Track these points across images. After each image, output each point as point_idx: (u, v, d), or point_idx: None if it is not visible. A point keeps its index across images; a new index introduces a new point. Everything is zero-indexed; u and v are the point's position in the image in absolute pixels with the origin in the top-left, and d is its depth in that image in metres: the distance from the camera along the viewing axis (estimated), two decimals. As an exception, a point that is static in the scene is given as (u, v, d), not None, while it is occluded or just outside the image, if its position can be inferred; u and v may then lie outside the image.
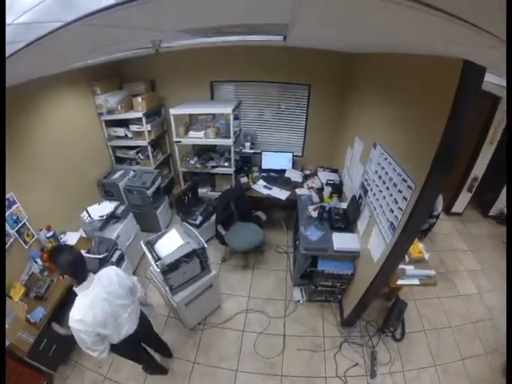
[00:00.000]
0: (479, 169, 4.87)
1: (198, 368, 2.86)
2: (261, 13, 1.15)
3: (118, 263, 2.99)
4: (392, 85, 2.50)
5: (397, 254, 2.29)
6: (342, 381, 2.81)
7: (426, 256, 3.07)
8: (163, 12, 1.03)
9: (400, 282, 2.89)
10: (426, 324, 3.41)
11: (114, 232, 3.32)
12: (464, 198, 5.22)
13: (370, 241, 2.73)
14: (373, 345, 3.12)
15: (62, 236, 3.22)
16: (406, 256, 2.96)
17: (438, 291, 3.64)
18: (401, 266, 2.85)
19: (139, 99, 3.89)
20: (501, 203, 5.28)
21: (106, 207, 3.42)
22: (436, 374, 2.94)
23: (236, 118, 4.06)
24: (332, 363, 2.96)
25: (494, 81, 2.09)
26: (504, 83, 2.09)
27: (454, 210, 5.38)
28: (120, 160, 4.45)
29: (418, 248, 3.04)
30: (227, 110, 3.69)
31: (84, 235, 3.32)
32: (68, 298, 2.63)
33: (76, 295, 1.84)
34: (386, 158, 2.47)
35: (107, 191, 3.97)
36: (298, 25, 1.41)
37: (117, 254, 3.03)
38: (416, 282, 2.94)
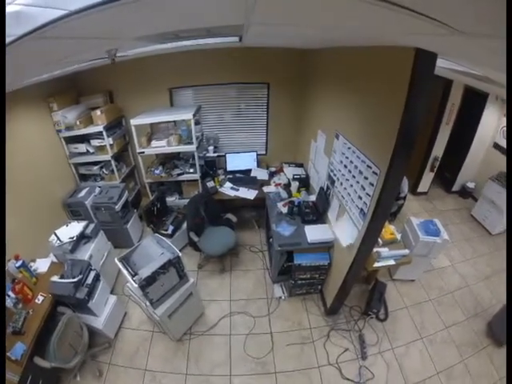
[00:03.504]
0: (439, 149, 5.16)
1: (190, 379, 2.81)
2: (217, 15, 1.15)
3: (94, 284, 2.87)
4: (350, 76, 2.57)
5: (370, 238, 2.37)
6: (335, 367, 2.88)
7: (398, 237, 3.20)
8: (119, 20, 1.00)
9: (376, 264, 2.99)
10: (407, 301, 3.57)
11: (86, 253, 3.18)
12: (427, 178, 5.52)
13: (342, 229, 2.79)
14: (359, 328, 3.21)
15: (32, 264, 3.05)
16: (379, 239, 3.06)
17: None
18: (375, 249, 2.96)
19: (98, 112, 3.75)
20: (461, 179, 5.62)
21: (74, 228, 3.27)
22: (424, 345, 3.10)
23: (197, 122, 4.03)
24: (323, 352, 3.01)
25: (445, 65, 2.19)
26: (456, 67, 2.20)
27: (419, 189, 5.68)
28: (84, 177, 4.28)
29: (389, 230, 3.17)
30: (188, 115, 3.65)
31: (55, 260, 3.15)
32: (47, 328, 2.51)
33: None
34: (349, 148, 2.54)
35: (74, 211, 3.80)
36: (253, 25, 1.43)
37: (92, 275, 2.90)
38: (392, 262, 3.06)
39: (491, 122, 4.98)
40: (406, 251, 3.11)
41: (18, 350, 2.26)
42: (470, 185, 5.52)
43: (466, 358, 2.98)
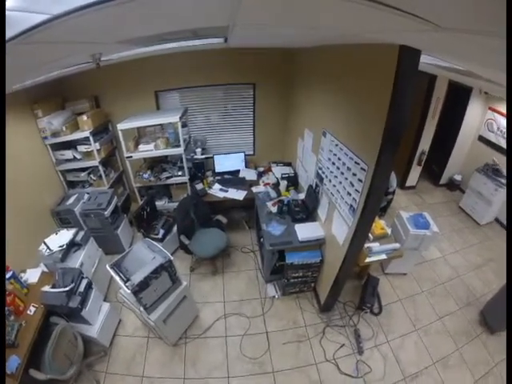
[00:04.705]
0: (425, 143, 5.24)
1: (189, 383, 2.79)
2: (202, 16, 1.15)
3: (87, 292, 2.83)
4: (335, 75, 2.59)
5: (360, 233, 2.39)
6: (333, 363, 2.90)
7: (389, 231, 3.24)
8: (103, 23, 0.99)
9: (368, 259, 3.02)
10: (400, 294, 3.63)
11: (76, 260, 3.13)
12: (415, 172, 5.61)
13: (333, 226, 2.82)
14: (354, 323, 3.24)
15: (22, 275, 2.99)
16: (370, 234, 3.10)
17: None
18: (367, 245, 2.99)
19: (84, 118, 3.70)
20: (449, 172, 5.73)
21: (64, 236, 3.23)
22: (418, 337, 3.15)
23: (184, 125, 4.01)
24: (319, 349, 3.03)
25: (429, 61, 2.23)
26: (439, 63, 2.24)
27: (407, 184, 5.76)
28: (72, 184, 4.22)
29: (380, 225, 3.20)
30: (174, 118, 3.63)
31: (45, 269, 3.09)
32: (41, 340, 2.46)
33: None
34: (336, 145, 2.56)
35: (63, 219, 3.73)
36: (238, 25, 1.43)
37: (84, 283, 2.86)
38: (383, 256, 3.09)
39: (476, 115, 5.09)
40: (397, 245, 3.15)
41: (12, 363, 2.22)
42: (457, 177, 5.63)
43: (461, 346, 3.04)
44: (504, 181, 4.45)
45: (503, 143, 4.67)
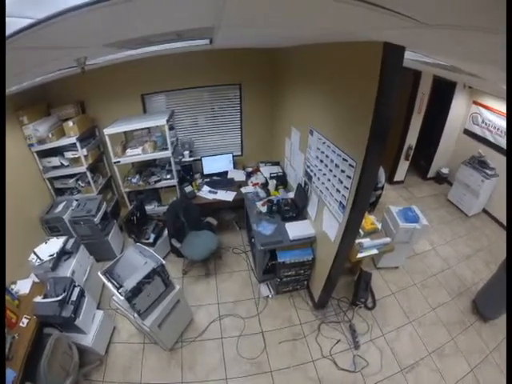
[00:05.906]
0: (412, 137, 5.33)
1: (187, 387, 2.77)
2: (189, 17, 1.14)
3: (79, 301, 2.79)
4: (322, 73, 2.60)
5: (351, 229, 2.41)
6: (330, 359, 2.92)
7: (379, 226, 3.27)
8: (88, 26, 0.98)
9: (360, 255, 3.05)
10: (393, 287, 3.68)
11: (68, 269, 3.09)
12: (403, 167, 5.70)
13: (323, 223, 2.83)
14: (349, 319, 3.27)
15: (12, 286, 2.93)
16: (361, 230, 3.13)
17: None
18: (358, 241, 3.02)
19: (70, 123, 3.64)
20: (436, 165, 5.83)
21: (54, 244, 3.17)
22: (413, 328, 3.20)
23: (171, 128, 3.99)
24: (316, 346, 3.04)
25: (413, 57, 2.26)
26: (424, 59, 2.27)
27: (396, 179, 5.85)
28: (60, 191, 4.15)
29: (370, 220, 3.23)
30: (161, 121, 3.61)
31: (36, 280, 3.04)
32: (35, 352, 2.41)
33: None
34: (324, 143, 2.58)
35: (52, 227, 3.68)
36: (223, 26, 1.43)
37: (76, 292, 2.83)
38: (375, 251, 3.13)
39: (460, 109, 5.20)
40: (388, 239, 3.19)
41: (7, 376, 2.17)
42: (445, 170, 5.74)
43: (455, 336, 3.10)
44: (490, 172, 4.57)
45: (488, 135, 4.79)
